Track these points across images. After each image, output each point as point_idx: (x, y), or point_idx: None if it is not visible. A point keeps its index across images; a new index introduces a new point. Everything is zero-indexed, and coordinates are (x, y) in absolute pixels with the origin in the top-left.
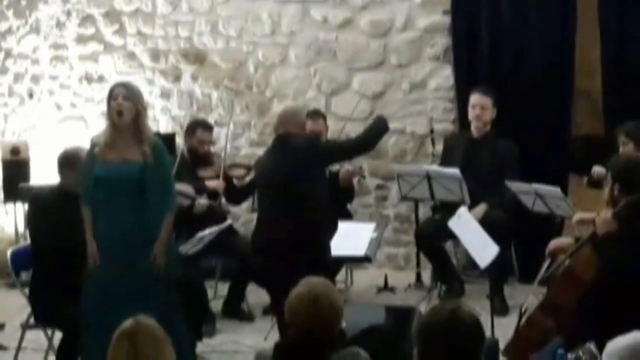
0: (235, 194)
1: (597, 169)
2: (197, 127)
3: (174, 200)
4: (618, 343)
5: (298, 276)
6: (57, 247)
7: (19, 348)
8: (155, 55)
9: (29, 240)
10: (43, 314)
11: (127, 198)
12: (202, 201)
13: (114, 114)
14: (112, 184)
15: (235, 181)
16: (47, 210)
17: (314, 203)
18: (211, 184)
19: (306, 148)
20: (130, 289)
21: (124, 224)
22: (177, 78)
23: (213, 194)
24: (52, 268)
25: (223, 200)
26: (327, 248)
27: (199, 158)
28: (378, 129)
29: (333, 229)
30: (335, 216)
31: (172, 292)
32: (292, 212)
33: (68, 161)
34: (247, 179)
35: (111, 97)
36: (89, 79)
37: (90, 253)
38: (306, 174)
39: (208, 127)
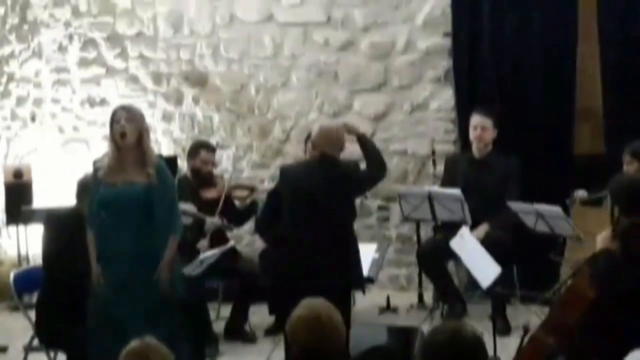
0: (237, 215)
1: (580, 193)
2: (201, 148)
3: (179, 222)
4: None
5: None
6: (69, 269)
7: None
8: (157, 78)
9: (32, 263)
10: (48, 336)
11: (132, 220)
12: (213, 220)
13: (118, 136)
14: (117, 206)
15: (237, 202)
16: (63, 231)
17: (349, 228)
18: (209, 194)
19: (352, 177)
20: (135, 310)
21: (129, 244)
22: (179, 101)
23: (211, 206)
24: (62, 290)
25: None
26: (356, 273)
27: (202, 179)
28: (374, 148)
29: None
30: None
31: (176, 313)
32: (329, 234)
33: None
34: (249, 200)
35: (114, 120)
36: (91, 102)
37: (94, 273)
38: (348, 201)
39: (211, 148)
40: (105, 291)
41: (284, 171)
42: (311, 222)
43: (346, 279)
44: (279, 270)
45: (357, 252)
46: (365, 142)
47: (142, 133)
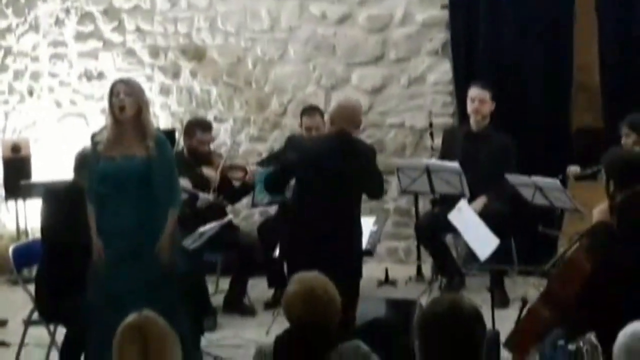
0: (233, 194)
1: (572, 168)
2: (196, 129)
3: (179, 195)
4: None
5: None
6: (68, 243)
7: (21, 344)
8: (155, 51)
9: (31, 237)
10: (48, 310)
11: (132, 193)
12: (205, 196)
13: (117, 110)
14: (117, 179)
15: (234, 182)
16: (61, 206)
17: (357, 208)
18: (207, 172)
19: (368, 158)
20: (135, 283)
21: (129, 218)
22: (176, 74)
23: (207, 183)
24: (61, 264)
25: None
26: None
27: (199, 158)
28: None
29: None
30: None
31: (176, 287)
32: (338, 209)
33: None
34: (246, 179)
35: (112, 93)
36: (88, 76)
37: (95, 248)
38: (361, 179)
39: (207, 127)
40: (106, 265)
41: (298, 142)
42: (321, 196)
43: (350, 257)
44: (284, 240)
45: (359, 235)
46: None
47: (141, 106)
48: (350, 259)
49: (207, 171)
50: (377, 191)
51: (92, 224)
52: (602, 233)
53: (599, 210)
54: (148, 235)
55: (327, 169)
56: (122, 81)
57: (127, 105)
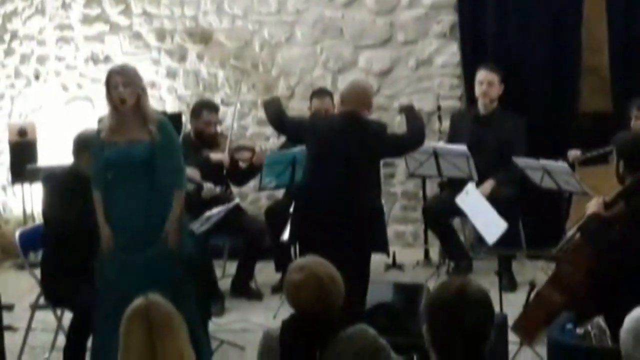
0: (240, 175)
1: (572, 152)
2: (203, 109)
3: (184, 177)
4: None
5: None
6: (69, 228)
7: (28, 328)
8: (161, 35)
9: (37, 221)
10: (54, 294)
11: (137, 178)
12: (210, 186)
13: (117, 102)
14: (122, 165)
15: (240, 163)
16: (61, 190)
17: (372, 187)
18: (216, 156)
19: (379, 137)
20: (144, 268)
21: (136, 203)
22: (183, 58)
23: (218, 168)
24: (64, 248)
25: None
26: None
27: (205, 140)
28: (417, 120)
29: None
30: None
31: (184, 270)
32: (350, 189)
33: (84, 143)
34: (253, 160)
35: (110, 85)
36: (95, 59)
37: (104, 236)
38: (372, 160)
39: (214, 108)
40: (114, 251)
41: (313, 124)
42: (332, 176)
43: (364, 237)
44: (294, 223)
45: (381, 213)
46: (409, 115)
47: (139, 94)
48: (363, 243)
49: (215, 156)
50: (412, 144)
51: (100, 211)
52: (596, 227)
53: (593, 204)
54: (155, 219)
55: (338, 148)
56: (117, 72)
57: (127, 96)
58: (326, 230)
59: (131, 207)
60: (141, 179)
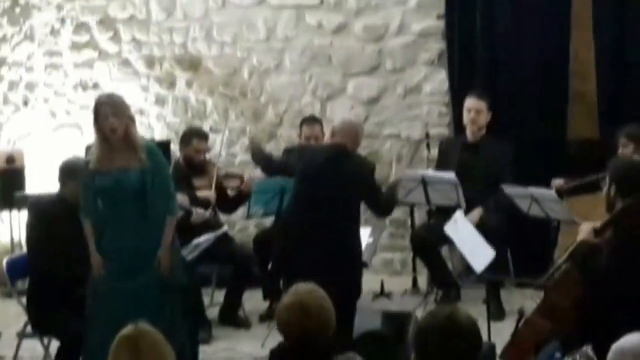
0: (228, 204)
1: (556, 181)
2: (193, 137)
3: (175, 203)
4: (625, 344)
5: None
6: (55, 256)
7: (15, 357)
8: (150, 61)
9: (25, 249)
10: (40, 323)
11: (129, 205)
12: (200, 211)
13: (108, 132)
14: (113, 192)
15: (229, 191)
16: (46, 218)
17: (355, 221)
18: (203, 194)
19: (361, 174)
20: (136, 294)
21: (127, 230)
22: (171, 84)
23: (205, 203)
24: (49, 277)
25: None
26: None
27: (194, 167)
28: (395, 196)
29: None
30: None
31: (176, 298)
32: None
33: (69, 171)
34: (242, 187)
35: (99, 115)
36: (83, 86)
37: (95, 265)
38: (350, 196)
39: (204, 136)
40: (106, 279)
41: (301, 154)
42: (316, 207)
43: (345, 270)
44: (278, 252)
45: (355, 255)
46: (392, 188)
47: (128, 123)
48: (345, 271)
49: (202, 193)
50: (381, 207)
51: (91, 239)
52: (586, 253)
53: (583, 230)
54: (147, 246)
55: (319, 184)
56: (106, 103)
57: (117, 126)
58: (306, 264)
59: (123, 234)
60: (132, 206)
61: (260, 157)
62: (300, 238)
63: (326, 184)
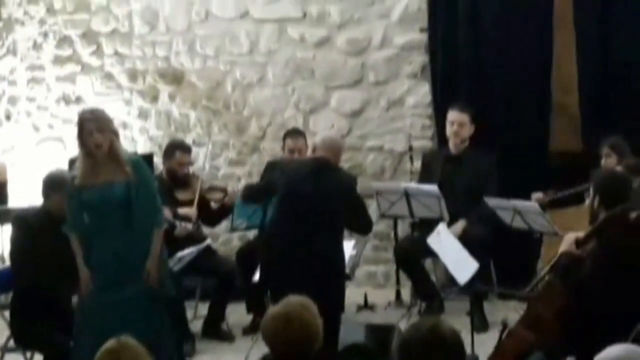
0: (212, 217)
1: (535, 195)
2: (176, 150)
3: (162, 215)
4: (608, 355)
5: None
6: (39, 270)
7: None
8: (133, 75)
9: (7, 263)
10: (23, 337)
11: (115, 218)
12: (183, 224)
13: (93, 148)
14: (100, 206)
15: (212, 204)
16: (30, 232)
17: (337, 234)
18: (184, 211)
19: (343, 186)
20: (124, 307)
21: (114, 243)
22: (154, 98)
23: (186, 220)
24: (33, 290)
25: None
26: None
27: (178, 180)
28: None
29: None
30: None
31: (164, 309)
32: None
33: (53, 184)
34: (225, 200)
35: (83, 131)
36: (66, 100)
37: (83, 280)
38: (332, 208)
39: (187, 149)
40: (94, 295)
41: (278, 165)
42: (298, 220)
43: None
44: (263, 266)
45: (338, 269)
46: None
47: (112, 138)
48: (328, 284)
49: (183, 210)
50: (361, 224)
51: (79, 254)
52: (568, 264)
53: (566, 241)
54: (134, 259)
55: (306, 193)
56: (89, 119)
57: (102, 142)
58: (289, 278)
59: (110, 247)
60: (118, 219)
61: (246, 194)
62: (283, 251)
63: (309, 197)
